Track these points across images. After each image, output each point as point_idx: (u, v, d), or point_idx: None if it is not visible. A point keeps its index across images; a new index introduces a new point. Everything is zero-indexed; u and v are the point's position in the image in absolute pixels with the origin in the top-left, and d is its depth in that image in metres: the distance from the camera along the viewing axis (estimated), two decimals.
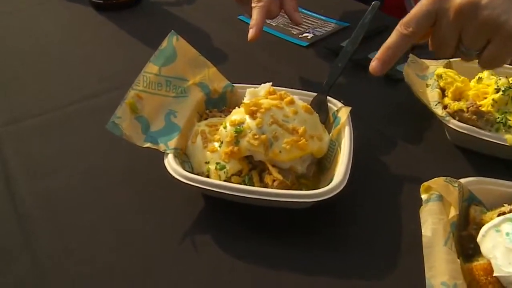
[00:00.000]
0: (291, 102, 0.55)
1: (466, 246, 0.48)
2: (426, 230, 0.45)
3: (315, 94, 0.63)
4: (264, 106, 0.54)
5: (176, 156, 0.53)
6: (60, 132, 0.67)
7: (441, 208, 0.47)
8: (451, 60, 0.73)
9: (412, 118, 0.71)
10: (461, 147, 0.64)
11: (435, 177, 0.50)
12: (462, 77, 0.68)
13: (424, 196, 0.49)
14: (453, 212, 0.47)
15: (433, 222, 0.45)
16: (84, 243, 0.51)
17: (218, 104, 0.64)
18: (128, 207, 0.56)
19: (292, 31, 0.93)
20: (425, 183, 0.49)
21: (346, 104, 0.61)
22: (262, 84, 0.59)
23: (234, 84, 0.65)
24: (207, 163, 0.54)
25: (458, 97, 0.66)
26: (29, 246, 0.51)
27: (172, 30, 0.61)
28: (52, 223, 0.53)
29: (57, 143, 0.65)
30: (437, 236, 0.44)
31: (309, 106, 0.57)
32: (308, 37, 0.91)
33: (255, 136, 0.52)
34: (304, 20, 0.98)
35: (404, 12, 1.09)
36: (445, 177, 0.49)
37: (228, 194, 0.49)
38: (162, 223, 0.54)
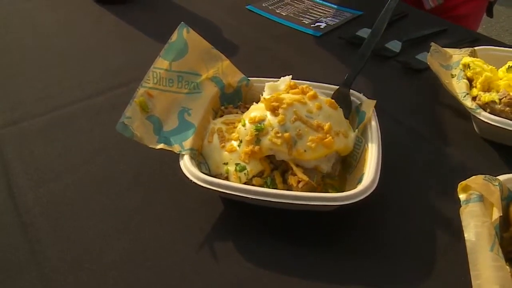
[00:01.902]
0: (314, 97, 0.52)
1: (508, 249, 0.45)
2: (470, 234, 0.42)
3: (336, 87, 0.59)
4: (286, 101, 0.50)
5: (192, 158, 0.49)
6: (64, 133, 0.63)
7: (483, 210, 0.43)
8: (476, 48, 0.69)
9: (435, 110, 0.68)
10: (490, 140, 0.61)
11: (466, 174, 0.46)
12: (490, 66, 0.64)
13: (462, 196, 0.46)
14: (496, 214, 0.43)
15: (476, 225, 0.42)
16: (92, 254, 0.48)
17: (233, 100, 0.60)
18: (140, 213, 0.52)
19: (304, 21, 0.89)
20: (463, 182, 0.46)
21: (365, 96, 0.58)
22: (282, 78, 0.55)
23: (249, 78, 0.60)
24: (226, 164, 0.50)
25: (487, 87, 0.62)
26: (35, 257, 0.47)
27: (182, 22, 0.57)
28: (59, 232, 0.50)
29: (61, 145, 0.61)
30: (482, 241, 0.41)
31: (333, 100, 0.53)
32: (321, 27, 0.87)
33: (278, 134, 0.48)
34: (316, 9, 0.94)
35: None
36: (483, 175, 0.46)
37: (252, 198, 0.45)
38: (177, 229, 0.50)
